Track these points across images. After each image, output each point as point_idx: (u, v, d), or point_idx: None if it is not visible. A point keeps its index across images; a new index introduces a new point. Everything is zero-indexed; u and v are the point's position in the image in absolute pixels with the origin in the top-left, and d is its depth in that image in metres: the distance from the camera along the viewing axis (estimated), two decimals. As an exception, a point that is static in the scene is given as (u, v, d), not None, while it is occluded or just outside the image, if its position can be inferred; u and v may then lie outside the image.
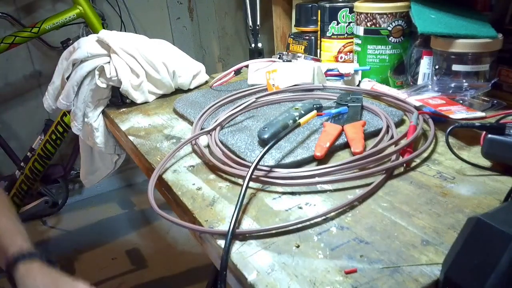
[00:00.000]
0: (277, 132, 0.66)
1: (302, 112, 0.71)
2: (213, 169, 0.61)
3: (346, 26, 1.00)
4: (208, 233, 0.48)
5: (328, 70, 0.91)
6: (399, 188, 0.53)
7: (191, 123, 0.79)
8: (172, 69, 0.96)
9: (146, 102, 0.96)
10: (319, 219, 0.48)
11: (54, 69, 0.96)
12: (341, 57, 1.02)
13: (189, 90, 1.02)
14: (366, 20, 0.88)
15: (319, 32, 1.06)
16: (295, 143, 0.64)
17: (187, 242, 1.77)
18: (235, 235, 0.45)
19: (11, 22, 1.78)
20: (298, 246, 0.44)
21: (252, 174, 0.52)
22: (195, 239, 0.54)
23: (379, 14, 0.86)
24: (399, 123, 0.71)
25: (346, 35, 1.01)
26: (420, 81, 0.84)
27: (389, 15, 0.85)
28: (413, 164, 0.58)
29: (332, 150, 0.62)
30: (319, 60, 1.01)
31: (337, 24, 1.00)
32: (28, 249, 0.60)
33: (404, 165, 0.57)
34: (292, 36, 1.19)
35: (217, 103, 0.82)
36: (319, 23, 1.05)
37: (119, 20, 1.91)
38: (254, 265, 0.42)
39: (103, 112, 0.97)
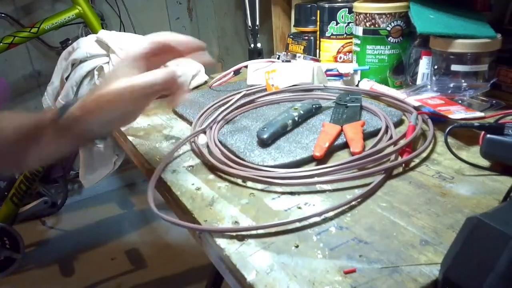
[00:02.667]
0: (276, 132, 0.66)
1: (301, 112, 0.71)
2: (212, 169, 0.61)
3: (345, 26, 1.00)
4: (206, 231, 0.48)
5: (327, 70, 0.91)
6: (398, 188, 0.53)
7: (190, 123, 0.79)
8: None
9: (145, 102, 0.96)
10: (318, 218, 0.48)
11: (53, 69, 0.96)
12: (340, 57, 1.03)
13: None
14: (365, 20, 0.88)
15: (318, 32, 1.07)
16: (294, 143, 0.64)
17: (186, 242, 1.77)
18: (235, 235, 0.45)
19: (10, 22, 1.78)
20: (297, 246, 0.44)
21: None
22: (194, 239, 0.54)
23: (378, 14, 0.86)
24: (398, 123, 0.71)
25: (345, 35, 1.01)
26: (419, 81, 0.85)
27: (388, 15, 0.85)
28: (412, 164, 0.58)
29: (331, 150, 0.62)
30: (318, 60, 1.01)
31: (336, 24, 1.00)
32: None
33: (403, 165, 0.57)
34: (291, 36, 1.19)
35: (216, 103, 0.82)
36: (318, 23, 1.05)
37: (118, 20, 1.91)
38: (253, 265, 0.42)
39: (102, 112, 0.96)
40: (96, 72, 0.90)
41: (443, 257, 0.37)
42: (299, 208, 0.50)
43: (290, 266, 0.41)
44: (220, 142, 0.67)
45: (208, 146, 0.66)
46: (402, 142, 0.60)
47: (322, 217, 0.48)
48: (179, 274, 1.63)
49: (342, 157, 0.62)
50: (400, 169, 0.57)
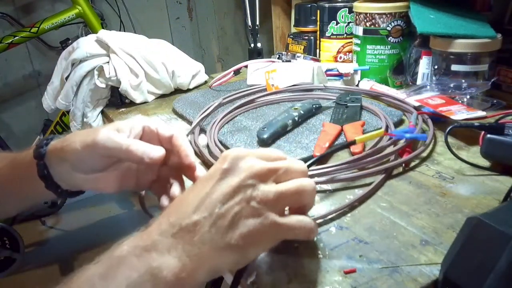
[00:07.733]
0: (276, 132, 0.66)
1: (301, 112, 0.71)
2: (212, 169, 0.61)
3: (346, 26, 1.00)
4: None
5: (327, 70, 0.91)
6: (398, 188, 0.53)
7: (190, 123, 0.79)
8: (171, 69, 0.96)
9: (145, 102, 0.96)
10: (319, 220, 0.47)
11: (53, 69, 0.96)
12: (340, 57, 1.03)
13: (188, 90, 1.02)
14: (365, 20, 0.88)
15: (318, 32, 1.07)
16: (295, 143, 0.64)
17: (186, 242, 1.77)
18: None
19: (10, 22, 1.78)
20: (297, 246, 0.44)
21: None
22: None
23: (378, 14, 0.86)
24: (398, 123, 0.71)
25: (345, 35, 1.01)
26: (419, 81, 0.84)
27: (388, 15, 0.85)
28: (412, 164, 0.58)
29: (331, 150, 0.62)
30: (318, 60, 1.01)
31: (336, 24, 1.00)
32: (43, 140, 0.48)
33: (403, 165, 0.57)
34: (292, 36, 1.19)
35: (215, 103, 0.82)
36: (318, 23, 1.05)
37: (118, 20, 1.91)
38: (253, 265, 0.42)
39: (102, 112, 0.97)
40: (96, 72, 0.90)
41: (443, 257, 0.37)
42: (299, 208, 0.50)
43: (290, 266, 0.41)
44: (220, 142, 0.67)
45: (208, 146, 0.66)
46: (402, 142, 0.60)
47: (322, 218, 0.48)
48: (179, 274, 1.62)
49: (342, 157, 0.62)
50: (400, 169, 0.57)
